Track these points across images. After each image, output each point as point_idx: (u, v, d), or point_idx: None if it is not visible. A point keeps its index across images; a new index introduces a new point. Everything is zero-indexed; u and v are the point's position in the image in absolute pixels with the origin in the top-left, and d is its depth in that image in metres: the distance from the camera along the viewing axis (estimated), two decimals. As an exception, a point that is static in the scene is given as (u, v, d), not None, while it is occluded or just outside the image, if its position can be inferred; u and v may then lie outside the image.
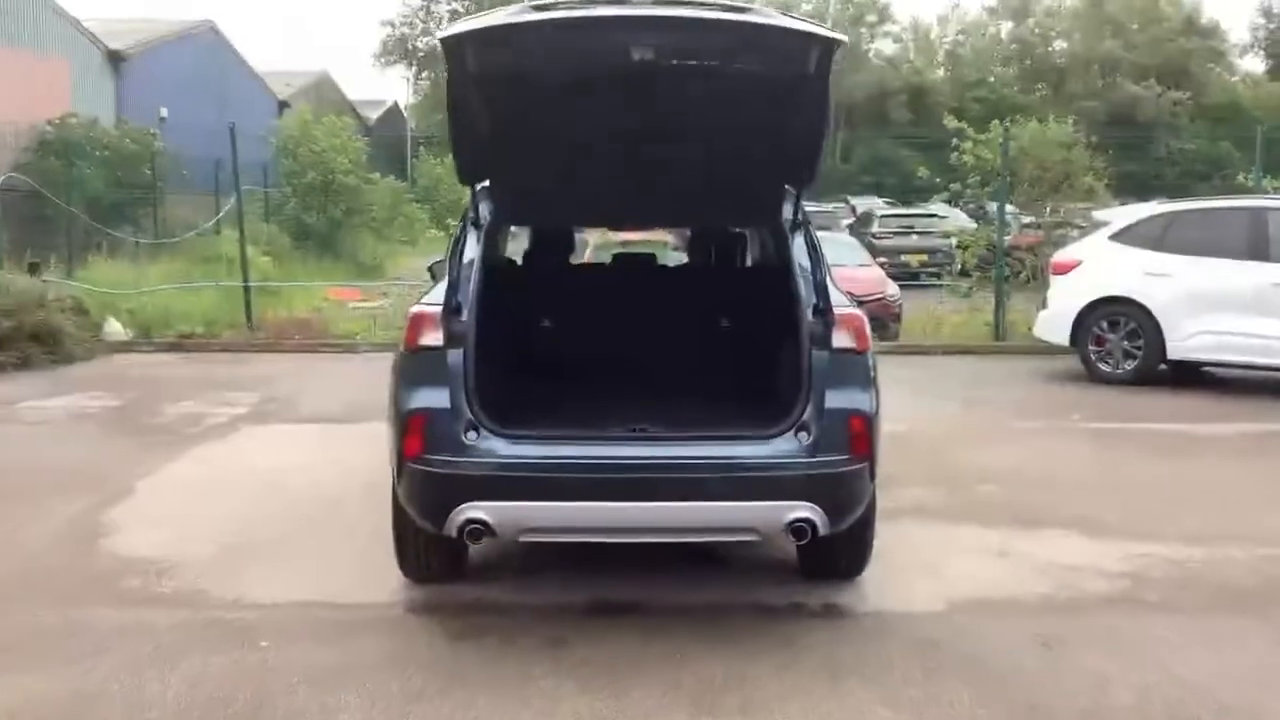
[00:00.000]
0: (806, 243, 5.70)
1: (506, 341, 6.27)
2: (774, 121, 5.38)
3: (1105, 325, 12.94)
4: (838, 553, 5.81)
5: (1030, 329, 15.45)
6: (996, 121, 17.37)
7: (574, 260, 8.48)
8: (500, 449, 5.25)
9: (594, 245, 17.80)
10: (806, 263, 5.61)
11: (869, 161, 50.28)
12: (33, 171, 22.25)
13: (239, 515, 7.34)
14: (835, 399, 5.30)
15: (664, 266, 8.06)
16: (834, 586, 5.97)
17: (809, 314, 5.43)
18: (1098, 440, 10.06)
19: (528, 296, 6.88)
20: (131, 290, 17.38)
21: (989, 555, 6.60)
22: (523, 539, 5.38)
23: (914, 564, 6.37)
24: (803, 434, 5.28)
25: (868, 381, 5.43)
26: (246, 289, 16.95)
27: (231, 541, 6.80)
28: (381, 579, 6.02)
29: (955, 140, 17.37)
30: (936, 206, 27.54)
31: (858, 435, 5.30)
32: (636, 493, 5.13)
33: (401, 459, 5.31)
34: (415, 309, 5.46)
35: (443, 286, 5.44)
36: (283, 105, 35.46)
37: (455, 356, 5.30)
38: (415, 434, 5.26)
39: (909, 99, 60.64)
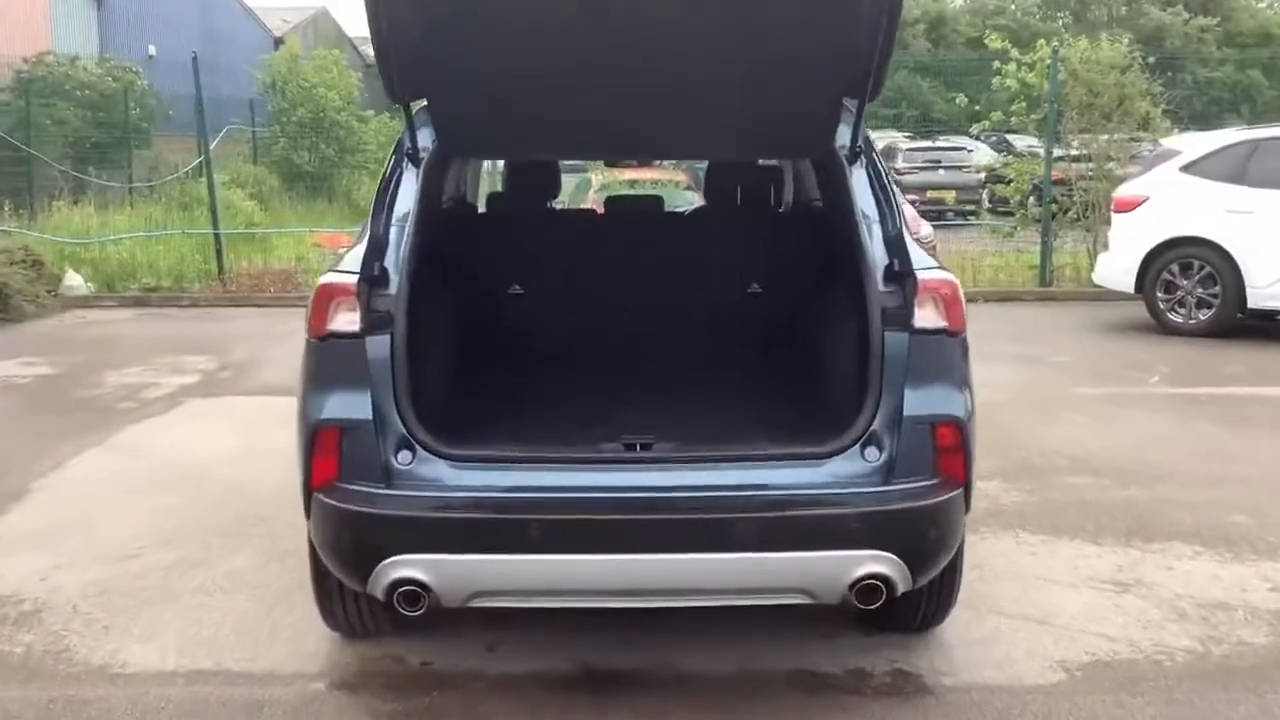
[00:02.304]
0: (872, 179, 4.13)
1: (458, 322, 4.74)
2: (823, 6, 3.79)
3: (1176, 269, 11.48)
4: (914, 598, 4.24)
5: (1080, 272, 14.07)
6: (1043, 41, 15.64)
7: (565, 205, 6.89)
8: (445, 477, 3.75)
9: (599, 185, 16.20)
10: (873, 207, 4.04)
11: (887, 93, 48.34)
12: (11, 113, 20.72)
13: (146, 528, 5.87)
14: (918, 400, 3.77)
15: (674, 214, 6.41)
16: (907, 642, 4.45)
17: (879, 279, 3.88)
18: (1189, 411, 8.49)
19: (490, 256, 5.31)
20: (95, 240, 15.87)
21: (1104, 587, 5.06)
22: (477, 605, 3.84)
23: (1010, 604, 4.85)
24: (872, 451, 3.76)
25: (962, 375, 3.91)
26: (217, 237, 15.45)
27: (124, 569, 5.32)
28: (306, 632, 4.57)
29: (997, 64, 15.69)
30: (959, 139, 25.94)
31: (949, 450, 3.78)
32: (637, 541, 3.63)
33: (309, 487, 3.81)
34: (323, 280, 3.92)
35: (363, 247, 3.89)
36: (278, 42, 33.82)
37: (380, 346, 3.78)
38: (325, 455, 3.76)
39: (927, 28, 58.46)
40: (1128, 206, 11.93)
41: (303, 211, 22.36)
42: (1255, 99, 43.32)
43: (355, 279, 3.75)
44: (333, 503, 3.70)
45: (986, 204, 22.07)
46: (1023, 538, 5.66)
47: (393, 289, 3.81)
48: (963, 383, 3.89)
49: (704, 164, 7.51)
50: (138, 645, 4.55)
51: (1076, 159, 15.52)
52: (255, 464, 6.84)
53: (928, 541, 3.74)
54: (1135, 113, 15.16)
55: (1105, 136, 15.02)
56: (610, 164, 7.63)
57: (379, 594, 3.69)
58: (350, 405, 3.74)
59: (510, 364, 5.10)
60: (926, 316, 3.82)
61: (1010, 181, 16.21)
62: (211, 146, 16.38)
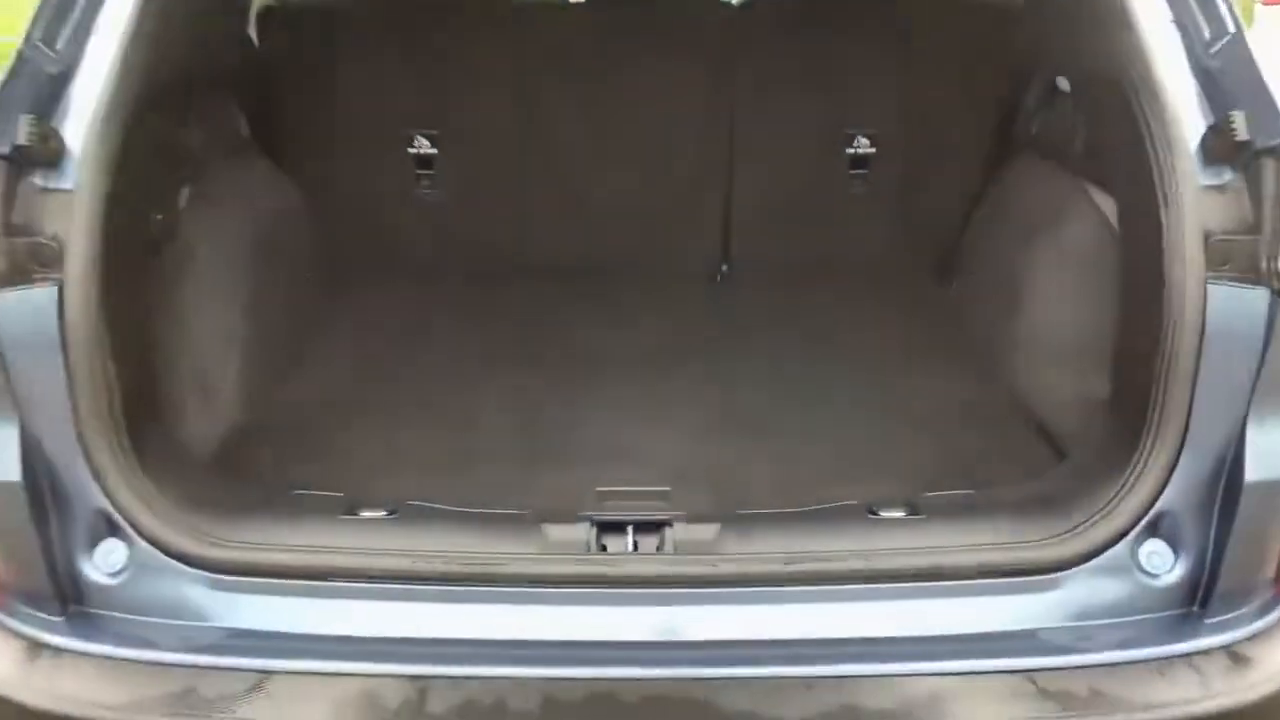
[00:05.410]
0: None
1: (273, 231, 2.58)
2: None
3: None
4: None
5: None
6: None
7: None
8: (200, 608, 1.62)
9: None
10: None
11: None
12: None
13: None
14: (1274, 440, 1.66)
15: (716, 4, 3.98)
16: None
17: (1192, 155, 1.71)
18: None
19: (362, 85, 3.06)
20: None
21: None
22: None
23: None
24: (1157, 551, 1.73)
25: None
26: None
27: None
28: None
29: None
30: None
31: None
32: None
33: None
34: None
35: None
36: None
37: (31, 313, 1.66)
38: None
39: None
40: None
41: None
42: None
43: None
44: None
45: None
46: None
47: (68, 179, 1.68)
48: None
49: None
50: None
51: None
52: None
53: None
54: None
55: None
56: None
57: None
58: None
59: (392, 312, 2.92)
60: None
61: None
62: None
